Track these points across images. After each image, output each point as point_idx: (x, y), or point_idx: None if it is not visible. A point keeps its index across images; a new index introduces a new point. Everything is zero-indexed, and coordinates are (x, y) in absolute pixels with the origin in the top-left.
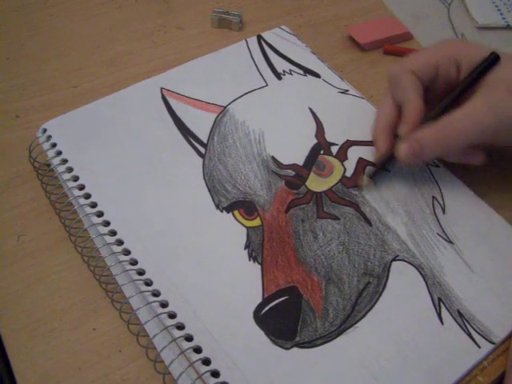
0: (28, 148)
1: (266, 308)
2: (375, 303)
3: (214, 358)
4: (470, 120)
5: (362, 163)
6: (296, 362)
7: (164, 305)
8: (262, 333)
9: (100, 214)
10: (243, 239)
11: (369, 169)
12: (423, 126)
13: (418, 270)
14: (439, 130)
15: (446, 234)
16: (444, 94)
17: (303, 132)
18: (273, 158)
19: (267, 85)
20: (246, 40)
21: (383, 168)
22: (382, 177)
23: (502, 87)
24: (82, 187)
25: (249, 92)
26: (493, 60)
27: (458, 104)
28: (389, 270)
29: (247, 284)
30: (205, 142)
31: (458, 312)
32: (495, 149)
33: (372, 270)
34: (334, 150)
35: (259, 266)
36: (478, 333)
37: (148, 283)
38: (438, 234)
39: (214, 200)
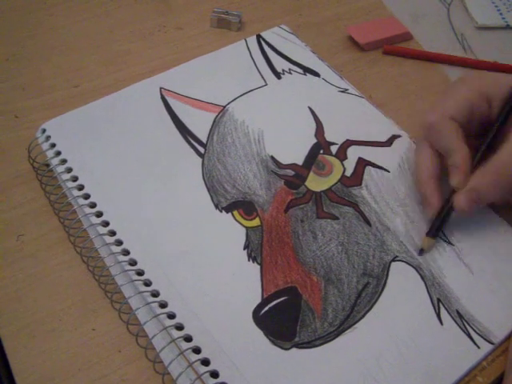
0: (27, 148)
1: (266, 308)
2: (374, 304)
3: (213, 358)
4: None
5: (361, 163)
6: (295, 363)
7: (163, 305)
8: (261, 333)
9: (99, 214)
10: (242, 239)
11: (425, 237)
12: (474, 173)
13: (417, 271)
14: (492, 174)
15: (445, 235)
16: (478, 131)
17: (303, 131)
18: (272, 157)
19: (267, 84)
20: (245, 39)
21: (441, 226)
22: (382, 177)
23: None
24: (81, 187)
25: (248, 91)
26: None
27: (496, 144)
28: (388, 271)
29: (246, 284)
30: (204, 141)
31: (458, 312)
32: None
33: (371, 271)
34: (334, 149)
35: (258, 266)
36: (478, 333)
37: (147, 283)
38: None
39: (213, 200)
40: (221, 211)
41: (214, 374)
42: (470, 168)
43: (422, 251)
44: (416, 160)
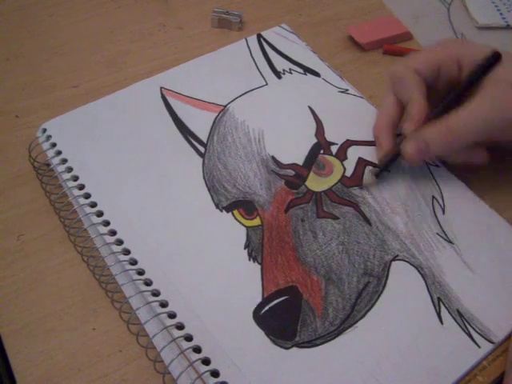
0: (28, 148)
1: (266, 308)
2: (375, 303)
3: (213, 357)
4: (474, 117)
5: (361, 163)
6: (296, 362)
7: (164, 304)
8: (261, 333)
9: (100, 214)
10: (243, 239)
11: (372, 168)
12: (428, 125)
13: (418, 270)
14: (445, 128)
15: (445, 234)
16: (446, 93)
17: (303, 131)
18: (272, 157)
19: (267, 84)
20: (245, 39)
21: (386, 167)
22: (383, 177)
23: (504, 84)
24: (81, 187)
25: (248, 91)
26: (494, 59)
27: (460, 103)
28: (388, 270)
29: (247, 284)
30: (204, 141)
31: (458, 312)
32: (498, 146)
33: (372, 270)
34: (334, 149)
35: (259, 266)
36: (478, 332)
37: (148, 283)
38: (437, 233)
39: (213, 199)
40: (221, 211)
41: (215, 374)
42: (424, 119)
43: (362, 186)
44: (379, 108)
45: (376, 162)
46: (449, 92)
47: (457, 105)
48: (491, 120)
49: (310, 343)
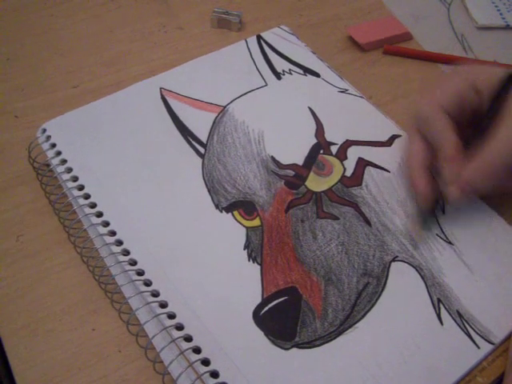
0: (27, 148)
1: (266, 308)
2: (374, 304)
3: (213, 358)
4: (503, 142)
5: (361, 163)
6: (295, 363)
7: (163, 305)
8: (261, 333)
9: (99, 215)
10: (243, 239)
11: (418, 219)
12: (466, 165)
13: (418, 271)
14: (484, 164)
15: (445, 235)
16: (468, 121)
17: (303, 132)
18: (272, 157)
19: (267, 84)
20: (245, 40)
21: (433, 213)
22: (383, 177)
23: None
24: (81, 187)
25: (248, 92)
26: (510, 79)
27: (487, 134)
28: (388, 271)
29: (246, 284)
30: (204, 142)
31: (458, 312)
32: None
33: (371, 271)
34: (334, 149)
35: (259, 267)
36: (478, 333)
37: (147, 283)
38: (437, 234)
39: (213, 200)
40: (221, 211)
41: (214, 374)
42: (462, 159)
43: (416, 244)
44: (408, 149)
45: (376, 162)
46: (475, 125)
47: (482, 137)
48: None
49: (310, 344)
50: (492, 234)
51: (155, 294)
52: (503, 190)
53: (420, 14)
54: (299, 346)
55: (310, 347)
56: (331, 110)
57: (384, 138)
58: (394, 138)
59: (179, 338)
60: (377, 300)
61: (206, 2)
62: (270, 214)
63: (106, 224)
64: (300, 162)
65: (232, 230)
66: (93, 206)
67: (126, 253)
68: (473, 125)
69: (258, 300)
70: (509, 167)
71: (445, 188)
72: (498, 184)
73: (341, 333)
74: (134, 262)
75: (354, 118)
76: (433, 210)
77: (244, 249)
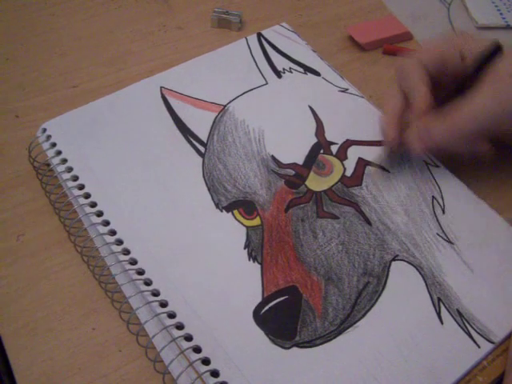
0: (28, 148)
1: (266, 308)
2: (375, 303)
3: (213, 357)
4: (476, 107)
5: (361, 163)
6: (296, 362)
7: (163, 304)
8: (261, 332)
9: (100, 214)
10: (243, 239)
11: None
12: (431, 115)
13: (418, 270)
14: (447, 117)
15: (445, 234)
16: (450, 85)
17: (303, 131)
18: (272, 157)
19: (267, 83)
20: (246, 38)
21: (392, 157)
22: (383, 177)
23: (505, 77)
24: (81, 187)
25: (249, 91)
26: (495, 49)
27: (463, 95)
28: (388, 270)
29: (247, 283)
30: (204, 141)
31: (458, 312)
32: (499, 141)
33: (372, 270)
34: (334, 149)
35: (259, 266)
36: (478, 332)
37: (148, 283)
38: (437, 234)
39: (213, 199)
40: (221, 210)
41: (215, 374)
42: (427, 108)
43: (371, 176)
44: (384, 100)
45: (377, 161)
46: (454, 83)
47: (460, 97)
48: (493, 112)
49: (310, 343)
50: (492, 233)
51: (155, 294)
52: (470, 153)
53: (420, 14)
54: (299, 345)
55: (310, 346)
56: (331, 109)
57: None
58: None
59: (179, 337)
60: (377, 299)
61: (206, 1)
62: (270, 213)
63: (107, 223)
64: (300, 161)
65: (232, 230)
66: (93, 205)
67: (127, 252)
68: (453, 89)
69: (259, 299)
70: (476, 134)
71: (411, 140)
72: (461, 145)
73: (341, 332)
74: (134, 262)
75: (354, 117)
76: (394, 153)
77: (244, 248)
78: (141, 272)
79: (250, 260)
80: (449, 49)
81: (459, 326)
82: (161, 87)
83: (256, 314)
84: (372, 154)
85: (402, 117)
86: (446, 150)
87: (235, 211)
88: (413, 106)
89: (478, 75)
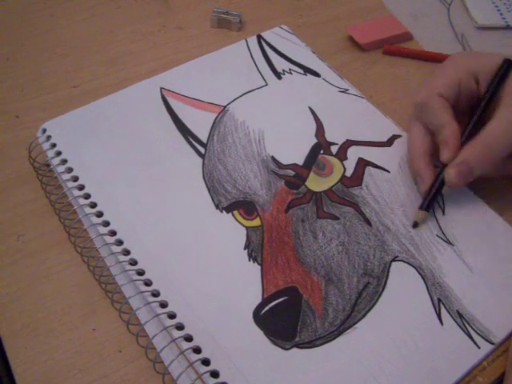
0: (28, 148)
1: (266, 308)
2: (375, 304)
3: (213, 358)
4: (505, 128)
5: (361, 163)
6: (296, 363)
7: (163, 305)
8: (261, 333)
9: (100, 214)
10: (243, 239)
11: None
12: (464, 148)
13: (418, 271)
14: (481, 147)
15: (445, 235)
16: (467, 108)
17: (303, 132)
18: (272, 157)
19: (267, 84)
20: (245, 40)
21: (435, 199)
22: (383, 177)
23: None
24: (81, 187)
25: (249, 92)
26: (508, 67)
27: (483, 118)
28: (388, 271)
29: (247, 284)
30: (204, 141)
31: (458, 312)
32: None
33: (372, 271)
34: (334, 149)
35: (259, 267)
36: (478, 333)
37: (148, 283)
38: (437, 235)
39: (213, 200)
40: (221, 211)
41: (215, 374)
42: (460, 143)
43: (416, 224)
44: (409, 138)
45: (376, 162)
46: (471, 106)
47: (482, 121)
48: None
49: (310, 344)
50: (492, 234)
51: (155, 294)
52: (501, 173)
53: (420, 14)
54: (299, 345)
55: (310, 347)
56: (331, 109)
57: (384, 138)
58: (394, 138)
59: (179, 337)
60: (377, 300)
61: (206, 1)
62: (270, 213)
63: (107, 224)
64: (300, 162)
65: (232, 230)
66: (93, 205)
67: (127, 253)
68: (470, 112)
69: (259, 300)
70: (507, 150)
71: (453, 178)
72: (496, 167)
73: (341, 333)
74: (134, 262)
75: (355, 118)
76: (436, 195)
77: (244, 249)
78: (141, 272)
79: (250, 261)
80: (462, 73)
81: (459, 326)
82: (161, 88)
83: (256, 314)
84: (372, 154)
85: (432, 153)
86: (479, 173)
87: (235, 212)
88: (444, 142)
89: (493, 92)
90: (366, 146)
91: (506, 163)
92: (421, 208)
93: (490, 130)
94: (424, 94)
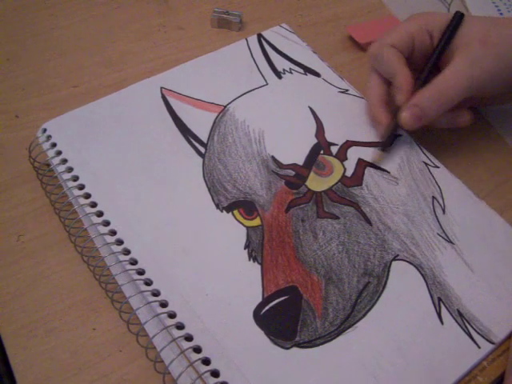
0: (28, 148)
1: (266, 308)
2: (375, 303)
3: (213, 357)
4: (459, 76)
5: (361, 163)
6: (296, 362)
7: (164, 304)
8: (261, 333)
9: (100, 214)
10: (243, 239)
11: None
12: (417, 92)
13: (418, 270)
14: (434, 90)
15: (446, 234)
16: (422, 63)
17: (303, 132)
18: (273, 157)
19: (267, 84)
20: (246, 39)
21: (390, 141)
22: (383, 177)
23: (475, 43)
24: (81, 187)
25: (249, 91)
26: (459, 18)
27: (437, 69)
28: (389, 270)
29: (247, 284)
30: (205, 141)
31: (458, 312)
32: (483, 104)
33: (372, 270)
34: (334, 149)
35: (259, 266)
36: (478, 333)
37: (148, 283)
38: (438, 234)
39: (213, 200)
40: (221, 211)
41: (215, 374)
42: (413, 87)
43: (374, 164)
44: (366, 89)
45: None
46: (425, 62)
47: (435, 71)
48: (473, 76)
49: (310, 343)
50: (492, 233)
51: (156, 294)
52: (451, 124)
53: None
54: (300, 345)
55: (310, 347)
56: (331, 110)
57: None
58: (394, 138)
59: (180, 337)
60: (377, 299)
61: (206, 1)
62: (271, 213)
63: (107, 223)
64: (300, 162)
65: (232, 230)
66: (93, 205)
67: (127, 252)
68: (423, 66)
69: (259, 299)
70: (458, 97)
71: (406, 120)
72: (447, 117)
73: (341, 332)
74: (134, 262)
75: (355, 118)
76: (391, 136)
77: (244, 248)
78: (141, 272)
79: (250, 260)
80: (417, 28)
81: (459, 326)
82: (161, 87)
83: (256, 314)
84: (372, 154)
85: (388, 100)
86: (431, 118)
87: (235, 211)
88: (397, 87)
89: (448, 47)
90: (366, 146)
91: (456, 113)
92: (378, 148)
93: (443, 76)
94: (377, 45)
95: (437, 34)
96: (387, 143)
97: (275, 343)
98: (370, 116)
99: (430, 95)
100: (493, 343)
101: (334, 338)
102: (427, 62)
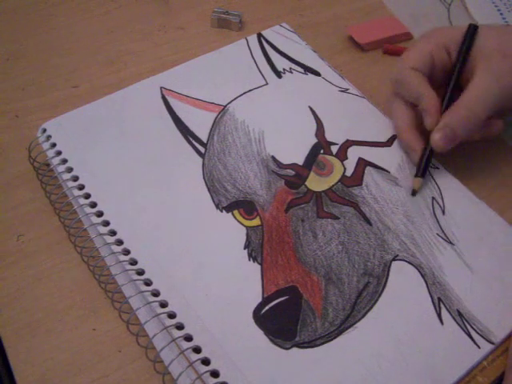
0: (28, 148)
1: (266, 308)
2: (375, 303)
3: (213, 357)
4: (485, 93)
5: (361, 163)
6: (296, 362)
7: (163, 305)
8: (261, 333)
9: (100, 214)
10: (243, 239)
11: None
12: (446, 113)
13: (418, 270)
14: (463, 109)
15: (445, 235)
16: (442, 79)
17: (303, 131)
18: (273, 157)
19: (267, 83)
20: (246, 38)
21: (428, 165)
22: (383, 177)
23: (494, 53)
24: (81, 187)
25: (249, 91)
26: (473, 31)
27: (461, 85)
28: (389, 270)
29: (247, 284)
30: (204, 141)
31: (458, 312)
32: (505, 114)
33: (372, 270)
34: (334, 149)
35: (259, 266)
36: (478, 333)
37: (148, 283)
38: (437, 234)
39: (213, 200)
40: (221, 211)
41: (215, 374)
42: (440, 109)
43: (414, 192)
44: (392, 115)
45: (376, 162)
46: (446, 76)
47: (458, 87)
48: (498, 90)
49: (310, 343)
50: (492, 233)
51: (155, 294)
52: (484, 136)
53: (420, 14)
54: (299, 345)
55: (310, 347)
56: (332, 109)
57: (384, 138)
58: (394, 138)
59: (179, 337)
60: (377, 299)
61: (206, 1)
62: (270, 213)
63: (107, 223)
64: (300, 161)
65: (232, 230)
66: (93, 205)
67: (127, 252)
68: (445, 83)
69: (259, 299)
70: (488, 111)
71: (438, 143)
72: (478, 130)
73: (341, 332)
74: (134, 262)
75: (355, 117)
76: (427, 161)
77: (244, 248)
78: (141, 272)
79: (250, 260)
80: (434, 47)
81: (459, 326)
82: (161, 87)
83: (256, 314)
84: (372, 154)
85: (417, 125)
86: (462, 137)
87: (235, 211)
88: (426, 111)
89: (467, 62)
90: (366, 145)
91: (487, 125)
92: (417, 175)
93: (469, 92)
94: (398, 69)
95: (453, 49)
96: (425, 169)
97: (275, 343)
98: (401, 143)
99: (459, 115)
100: (493, 343)
101: (334, 338)
102: (449, 81)
